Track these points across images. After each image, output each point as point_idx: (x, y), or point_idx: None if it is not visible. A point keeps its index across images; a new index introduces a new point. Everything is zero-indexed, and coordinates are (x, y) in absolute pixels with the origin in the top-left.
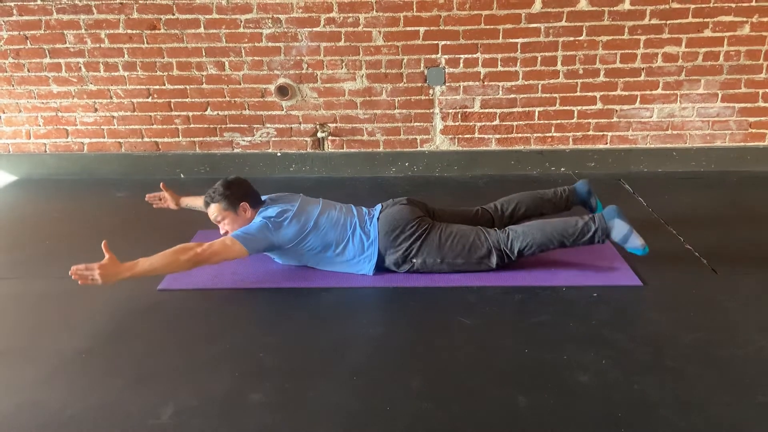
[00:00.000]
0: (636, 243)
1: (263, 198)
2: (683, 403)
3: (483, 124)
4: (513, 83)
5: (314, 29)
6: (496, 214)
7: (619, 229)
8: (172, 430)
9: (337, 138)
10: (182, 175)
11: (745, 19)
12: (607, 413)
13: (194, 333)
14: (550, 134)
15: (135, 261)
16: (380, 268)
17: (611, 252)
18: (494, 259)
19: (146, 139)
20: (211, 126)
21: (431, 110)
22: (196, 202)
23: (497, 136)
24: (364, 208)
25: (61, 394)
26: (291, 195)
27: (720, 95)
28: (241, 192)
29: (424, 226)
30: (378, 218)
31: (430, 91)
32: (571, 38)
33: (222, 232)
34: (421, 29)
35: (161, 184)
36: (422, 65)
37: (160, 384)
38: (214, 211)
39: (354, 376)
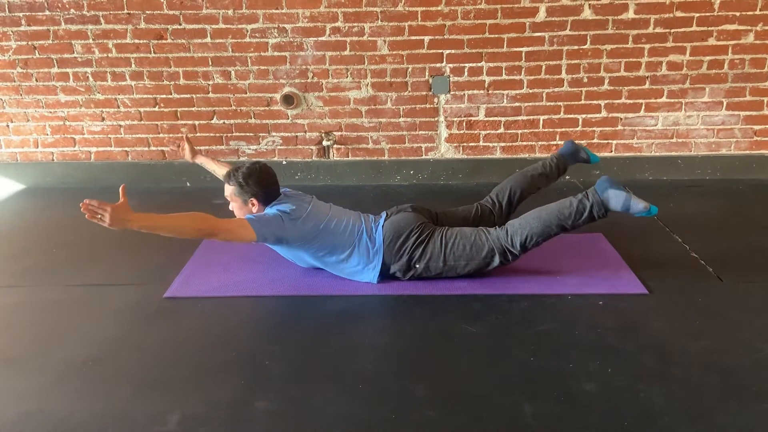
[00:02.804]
0: (638, 207)
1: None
2: (689, 411)
3: (488, 132)
4: (517, 92)
5: (320, 38)
6: (494, 208)
7: (617, 198)
8: None
9: (342, 146)
10: (188, 183)
11: (749, 27)
12: (613, 421)
13: (200, 341)
14: (555, 142)
15: (148, 213)
16: (385, 275)
17: (616, 260)
18: (497, 258)
19: (153, 148)
20: (217, 135)
21: (436, 118)
22: (210, 165)
23: (502, 144)
24: (370, 216)
25: (68, 402)
26: (304, 195)
27: (725, 103)
28: (256, 188)
29: (427, 231)
30: (383, 225)
31: (435, 100)
32: (576, 47)
33: (230, 208)
34: (426, 38)
35: (185, 134)
36: (427, 74)
37: (166, 391)
38: (227, 189)
39: (359, 383)
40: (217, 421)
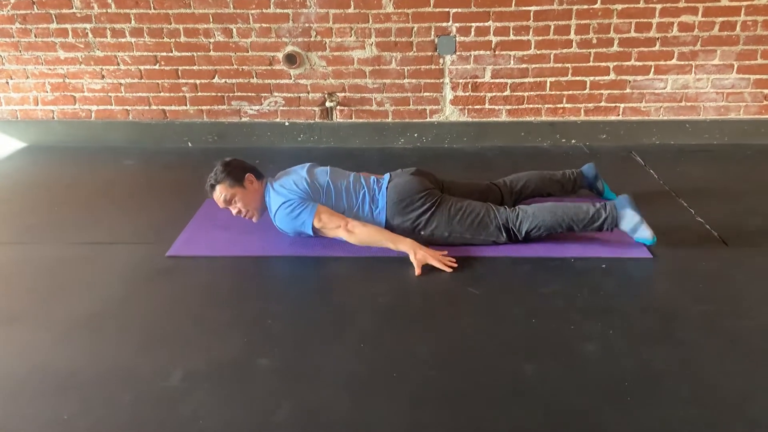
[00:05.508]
0: (645, 234)
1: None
2: (690, 373)
3: (493, 94)
4: (525, 53)
5: None
6: (505, 189)
7: (629, 219)
8: (182, 393)
9: (345, 108)
10: (190, 144)
11: None
12: (613, 382)
13: (203, 299)
14: (562, 105)
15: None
16: None
17: None
18: (502, 237)
19: (154, 107)
20: (219, 94)
21: (441, 80)
22: None
23: (508, 107)
24: (372, 177)
25: (72, 358)
26: (296, 168)
27: (735, 66)
28: (241, 165)
29: (434, 199)
30: (387, 187)
31: (441, 61)
32: (585, 6)
33: (234, 212)
34: None
35: None
36: (433, 33)
37: (169, 348)
38: (221, 191)
39: (361, 342)
40: (220, 378)
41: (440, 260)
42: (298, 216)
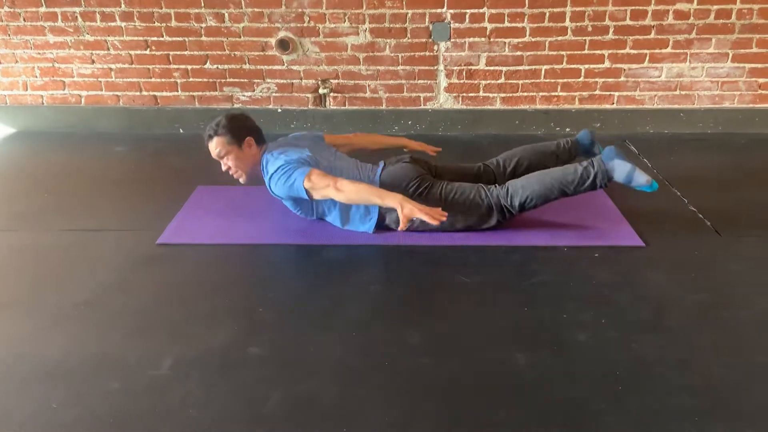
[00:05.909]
0: (641, 180)
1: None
2: (681, 362)
3: (488, 82)
4: (520, 40)
5: None
6: (498, 171)
7: (621, 169)
8: (172, 381)
9: (339, 95)
10: (181, 130)
11: None
12: (604, 371)
13: (193, 287)
14: (556, 93)
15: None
16: (381, 226)
17: (614, 212)
18: (495, 216)
19: (144, 93)
20: (211, 80)
21: (435, 67)
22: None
23: (502, 94)
24: (368, 165)
25: (61, 346)
26: (299, 136)
27: (731, 55)
28: (246, 125)
29: (425, 184)
30: (380, 175)
31: (435, 47)
32: None
33: (224, 168)
34: None
35: None
36: (427, 20)
37: (159, 336)
38: (216, 145)
39: (353, 331)
40: (210, 366)
41: (428, 213)
42: (290, 177)
